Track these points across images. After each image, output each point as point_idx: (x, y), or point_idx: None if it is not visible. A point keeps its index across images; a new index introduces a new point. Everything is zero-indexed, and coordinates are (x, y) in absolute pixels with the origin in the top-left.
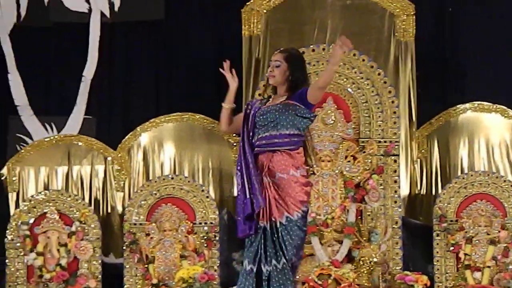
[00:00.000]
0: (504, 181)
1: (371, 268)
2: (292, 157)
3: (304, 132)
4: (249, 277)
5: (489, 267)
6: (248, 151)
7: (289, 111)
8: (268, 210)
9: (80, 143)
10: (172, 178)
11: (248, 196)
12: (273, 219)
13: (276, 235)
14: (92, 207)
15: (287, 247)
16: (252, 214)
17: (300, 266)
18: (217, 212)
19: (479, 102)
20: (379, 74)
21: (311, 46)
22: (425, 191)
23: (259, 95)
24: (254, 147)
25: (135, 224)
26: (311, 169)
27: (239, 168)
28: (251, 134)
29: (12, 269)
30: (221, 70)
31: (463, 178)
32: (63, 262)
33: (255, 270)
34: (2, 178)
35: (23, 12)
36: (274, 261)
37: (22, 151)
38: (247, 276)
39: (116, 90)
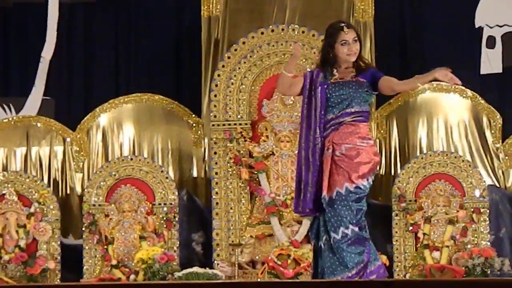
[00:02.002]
0: (463, 161)
1: None
2: (358, 127)
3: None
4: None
5: (447, 246)
6: (319, 136)
7: (362, 88)
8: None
9: (38, 124)
10: (131, 159)
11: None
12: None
13: (332, 207)
14: (51, 188)
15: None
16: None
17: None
18: (176, 193)
19: (437, 82)
20: None
21: (270, 27)
22: (384, 171)
23: (321, 67)
24: (327, 126)
25: (94, 205)
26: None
27: (307, 152)
28: (323, 112)
29: None
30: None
31: (422, 158)
32: (22, 243)
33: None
34: None
35: None
36: (331, 233)
37: None
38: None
39: (75, 71)
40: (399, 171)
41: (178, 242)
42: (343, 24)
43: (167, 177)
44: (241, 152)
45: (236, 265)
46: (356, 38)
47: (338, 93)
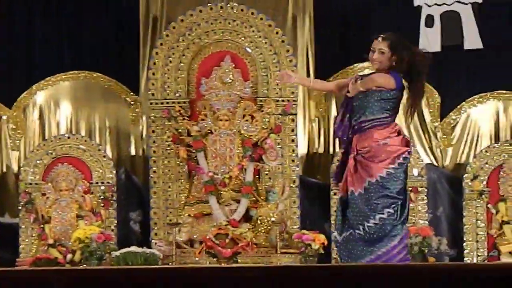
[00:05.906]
0: None
1: (269, 227)
2: (374, 133)
3: (393, 109)
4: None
5: None
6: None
7: (375, 97)
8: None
9: None
10: (69, 137)
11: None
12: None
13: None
14: None
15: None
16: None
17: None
18: (114, 172)
19: None
20: (277, 32)
21: (209, 4)
22: (322, 149)
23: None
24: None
25: (30, 183)
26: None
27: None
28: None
29: None
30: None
31: None
32: None
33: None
34: None
35: None
36: (351, 230)
37: None
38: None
39: (16, 48)
40: (337, 149)
41: (116, 221)
42: (380, 35)
43: (104, 156)
44: (179, 130)
45: (174, 244)
46: (383, 51)
47: (357, 102)
